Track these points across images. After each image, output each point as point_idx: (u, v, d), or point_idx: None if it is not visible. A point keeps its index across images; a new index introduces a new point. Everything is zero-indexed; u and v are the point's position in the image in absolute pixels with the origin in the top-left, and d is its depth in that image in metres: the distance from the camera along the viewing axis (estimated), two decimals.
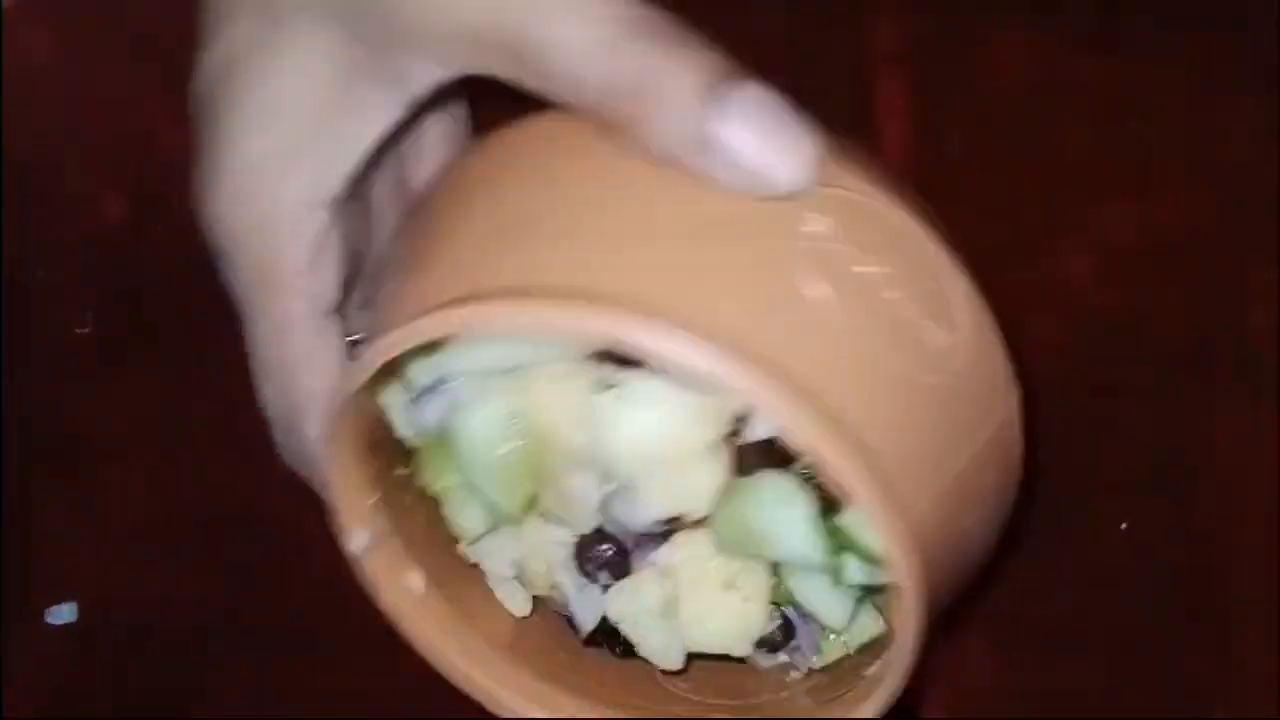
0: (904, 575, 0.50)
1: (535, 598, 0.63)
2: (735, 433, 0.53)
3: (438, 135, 0.64)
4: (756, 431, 0.53)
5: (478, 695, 0.62)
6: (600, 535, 0.58)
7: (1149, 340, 0.73)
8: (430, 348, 0.55)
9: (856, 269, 0.50)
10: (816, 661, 0.60)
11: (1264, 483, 0.72)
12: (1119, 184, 0.73)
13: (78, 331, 0.80)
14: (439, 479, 0.59)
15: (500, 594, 0.63)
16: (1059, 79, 0.74)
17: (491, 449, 0.56)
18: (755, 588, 0.56)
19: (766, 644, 0.60)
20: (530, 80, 0.49)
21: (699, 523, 0.55)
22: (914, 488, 0.50)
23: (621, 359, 0.52)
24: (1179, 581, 0.72)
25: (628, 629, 0.58)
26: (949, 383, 0.51)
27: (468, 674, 0.62)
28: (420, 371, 0.57)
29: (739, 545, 0.54)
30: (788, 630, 0.60)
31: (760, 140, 0.47)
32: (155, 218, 0.79)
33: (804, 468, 0.53)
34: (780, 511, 0.53)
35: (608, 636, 0.61)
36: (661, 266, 0.49)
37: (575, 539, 0.58)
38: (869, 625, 0.59)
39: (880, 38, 0.74)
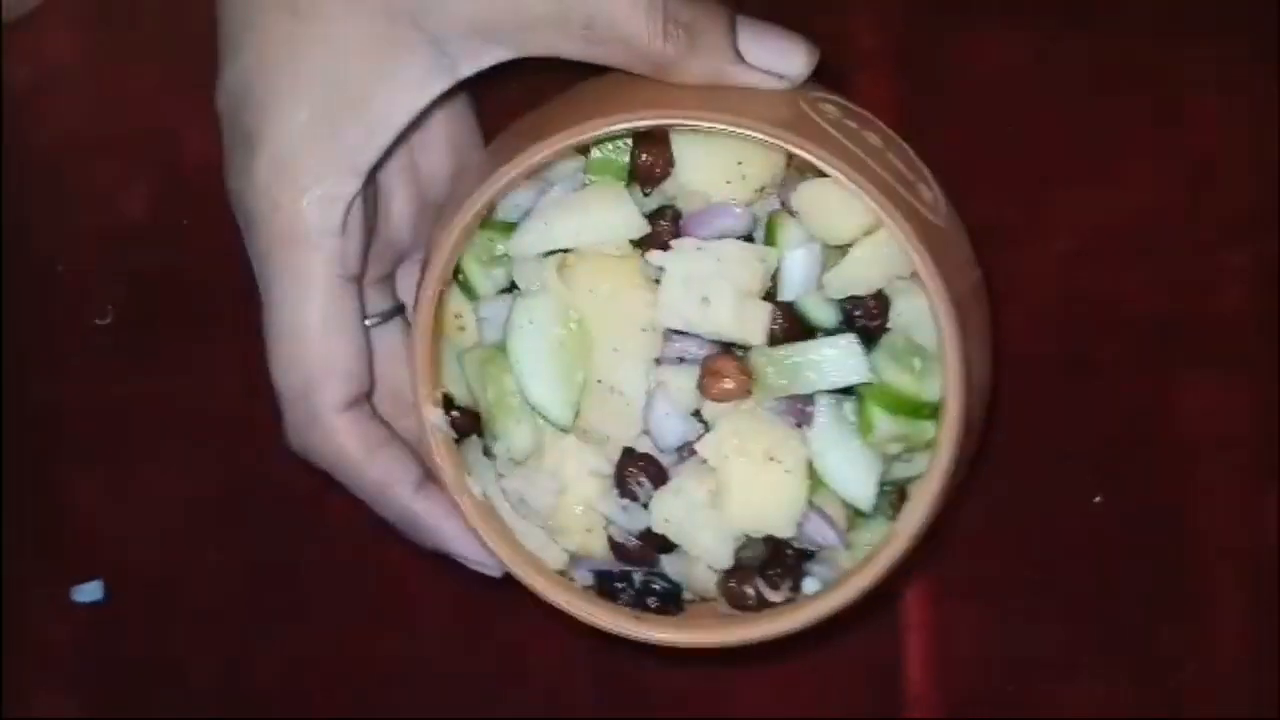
0: (951, 345, 0.57)
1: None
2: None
3: (445, 126, 0.69)
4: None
5: (536, 585, 0.63)
6: (634, 456, 0.61)
7: (1120, 320, 0.76)
8: (500, 228, 0.61)
9: (867, 136, 0.60)
10: (845, 559, 0.63)
11: (1233, 457, 0.75)
12: (1092, 171, 0.77)
13: (98, 323, 0.80)
14: (495, 384, 0.61)
15: (535, 549, 0.64)
16: (1033, 72, 0.77)
17: (547, 332, 0.60)
18: (795, 458, 0.60)
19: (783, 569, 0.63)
20: (589, 49, 0.58)
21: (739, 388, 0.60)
22: (951, 272, 0.58)
23: (663, 244, 0.59)
24: (1150, 551, 0.75)
25: (676, 532, 0.61)
26: (944, 225, 0.60)
27: (525, 566, 0.63)
28: (483, 278, 0.62)
29: (790, 381, 0.59)
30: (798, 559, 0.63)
31: (773, 53, 0.60)
32: (176, 213, 0.80)
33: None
34: (828, 345, 0.59)
35: (642, 591, 0.64)
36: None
37: (613, 464, 0.62)
38: (881, 530, 0.63)
39: (861, 33, 0.79)
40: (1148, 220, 0.75)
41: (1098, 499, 0.75)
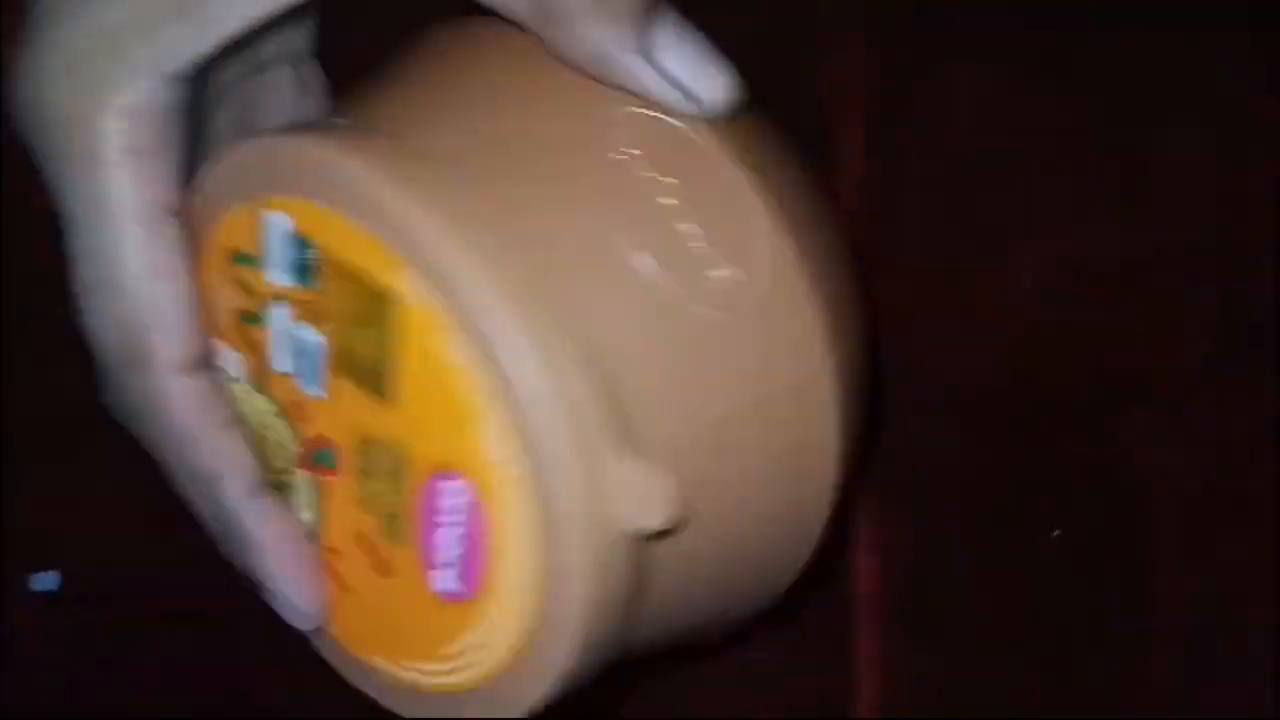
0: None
1: None
2: None
3: (285, 89, 0.60)
4: None
5: None
6: None
7: (1080, 359, 0.76)
8: None
9: (659, 198, 0.49)
10: None
11: (1186, 496, 0.75)
12: (1057, 210, 0.76)
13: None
14: None
15: None
16: (1008, 111, 0.76)
17: None
18: None
19: None
20: None
21: None
22: (650, 410, 0.47)
23: None
24: (1100, 587, 0.75)
25: None
26: (724, 320, 0.48)
27: None
28: None
29: None
30: None
31: (692, 66, 0.49)
32: None
33: None
34: None
35: None
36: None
37: None
38: None
39: (835, 68, 0.77)
40: (1108, 263, 0.74)
41: (1056, 533, 0.75)
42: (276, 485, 0.53)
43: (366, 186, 0.47)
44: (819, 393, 0.50)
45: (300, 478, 0.53)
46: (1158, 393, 0.75)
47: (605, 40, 0.47)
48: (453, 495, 0.48)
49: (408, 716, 0.53)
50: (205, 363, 0.52)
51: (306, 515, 0.53)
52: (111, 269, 0.50)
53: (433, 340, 0.45)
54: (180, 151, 0.51)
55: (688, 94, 0.48)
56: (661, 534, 0.47)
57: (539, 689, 0.49)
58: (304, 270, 0.50)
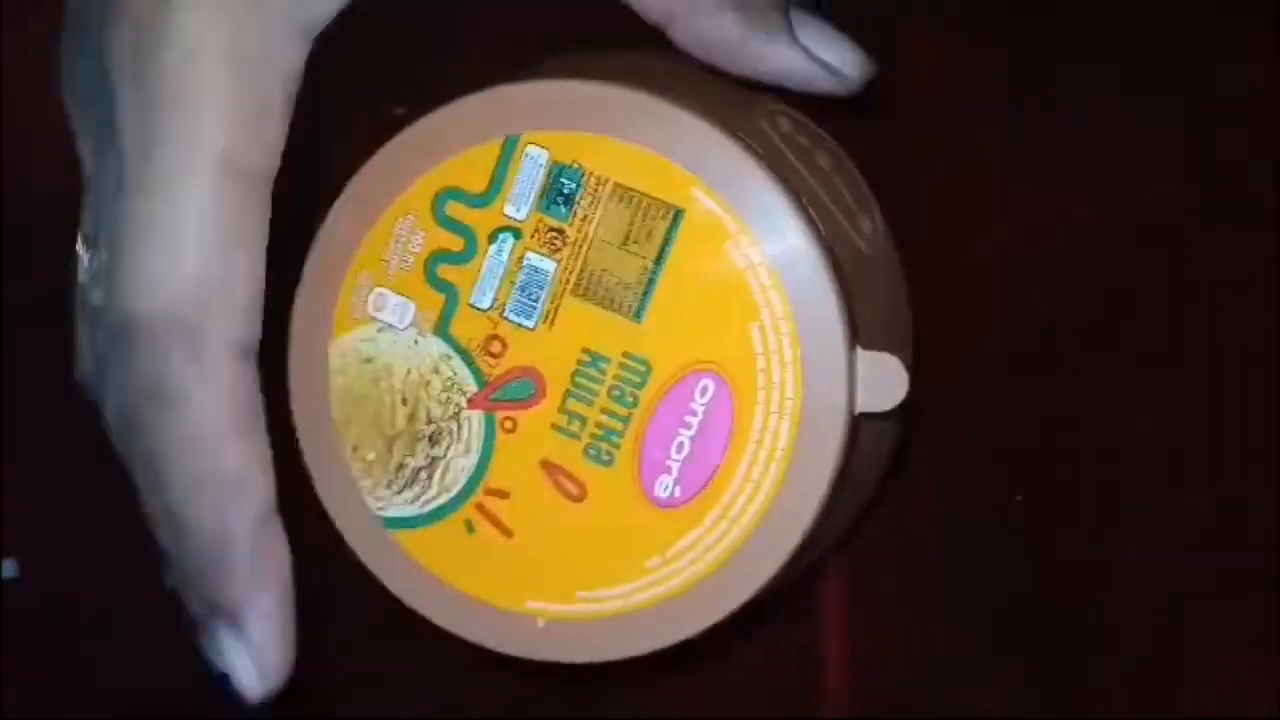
0: None
1: None
2: None
3: None
4: None
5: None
6: None
7: (1047, 323, 0.76)
8: None
9: (816, 156, 0.61)
10: None
11: (1152, 461, 0.75)
12: (1022, 177, 0.76)
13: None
14: None
15: None
16: (972, 78, 0.77)
17: None
18: None
19: None
20: None
21: None
22: (872, 308, 0.57)
23: None
24: (1066, 553, 0.75)
25: None
26: (878, 258, 0.61)
27: None
28: None
29: None
30: None
31: (832, 45, 0.53)
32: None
33: None
34: None
35: None
36: None
37: None
38: None
39: None
40: (1071, 227, 0.75)
41: (1019, 498, 0.75)
42: (429, 436, 0.55)
43: (659, 110, 0.53)
44: (907, 313, 0.63)
45: (471, 418, 0.55)
46: (1122, 355, 0.75)
47: (750, 27, 0.50)
48: (701, 396, 0.53)
49: (562, 658, 0.56)
50: (253, 353, 0.46)
51: (465, 460, 0.56)
52: (185, 219, 0.43)
53: (713, 248, 0.51)
54: (291, 118, 0.47)
55: (833, 71, 0.51)
56: (885, 415, 0.54)
57: (754, 584, 0.54)
58: (560, 199, 0.54)
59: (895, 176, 0.64)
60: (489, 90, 0.55)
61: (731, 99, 0.58)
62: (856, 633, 0.76)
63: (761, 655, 0.77)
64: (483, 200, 0.55)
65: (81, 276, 0.46)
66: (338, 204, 0.55)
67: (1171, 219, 0.74)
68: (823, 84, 0.51)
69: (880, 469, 0.63)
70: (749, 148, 0.53)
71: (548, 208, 0.55)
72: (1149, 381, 0.74)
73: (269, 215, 0.45)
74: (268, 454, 0.46)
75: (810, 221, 0.54)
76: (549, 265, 0.55)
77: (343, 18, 0.50)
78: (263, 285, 0.45)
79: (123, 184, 0.42)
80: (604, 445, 0.54)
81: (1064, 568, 0.74)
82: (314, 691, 0.70)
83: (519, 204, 0.55)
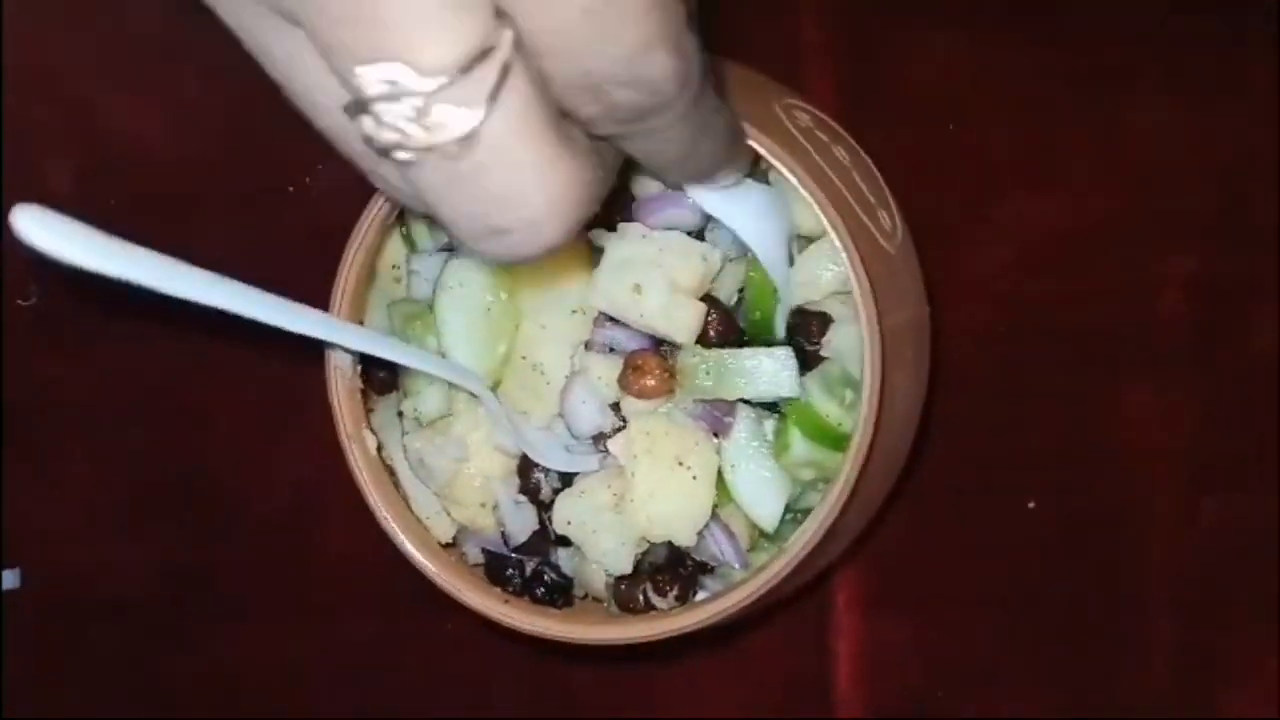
0: (872, 375, 0.56)
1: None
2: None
3: None
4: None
5: (413, 553, 0.61)
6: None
7: (1057, 327, 0.74)
8: None
9: (835, 151, 0.59)
10: (739, 579, 0.60)
11: (1167, 466, 0.73)
12: (1032, 178, 0.74)
13: (20, 304, 0.77)
14: (418, 343, 0.59)
15: (424, 516, 0.62)
16: (977, 73, 0.75)
17: (475, 298, 0.58)
18: (705, 466, 0.59)
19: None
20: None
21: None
22: (893, 302, 0.57)
23: (610, 226, 0.58)
24: (1082, 558, 0.73)
25: (576, 533, 0.59)
26: (896, 254, 0.60)
27: (407, 532, 0.61)
28: (423, 231, 0.60)
29: (717, 383, 0.58)
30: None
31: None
32: (101, 188, 0.76)
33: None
34: (766, 354, 0.58)
35: (532, 579, 0.62)
36: None
37: (518, 458, 0.60)
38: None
39: (805, 29, 0.76)
40: (1087, 228, 0.73)
41: (1031, 504, 0.73)
42: None
43: None
44: (925, 321, 0.62)
45: None
46: (1134, 360, 0.73)
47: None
48: None
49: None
50: None
51: None
52: None
53: None
54: None
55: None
56: None
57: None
58: None
59: (907, 176, 0.63)
60: None
61: (749, 91, 0.57)
62: (870, 633, 0.75)
63: (777, 651, 0.75)
64: None
65: None
66: None
67: (1199, 221, 0.72)
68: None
69: (891, 477, 0.62)
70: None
71: None
72: (1174, 385, 0.72)
73: None
74: None
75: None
76: None
77: None
78: None
79: None
80: None
81: (1088, 570, 0.73)
82: None
83: None
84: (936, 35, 0.74)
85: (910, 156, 0.69)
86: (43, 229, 0.40)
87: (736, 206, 0.57)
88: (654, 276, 0.57)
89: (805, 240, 0.59)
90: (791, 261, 0.59)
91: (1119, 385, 0.73)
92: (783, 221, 0.58)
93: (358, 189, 0.57)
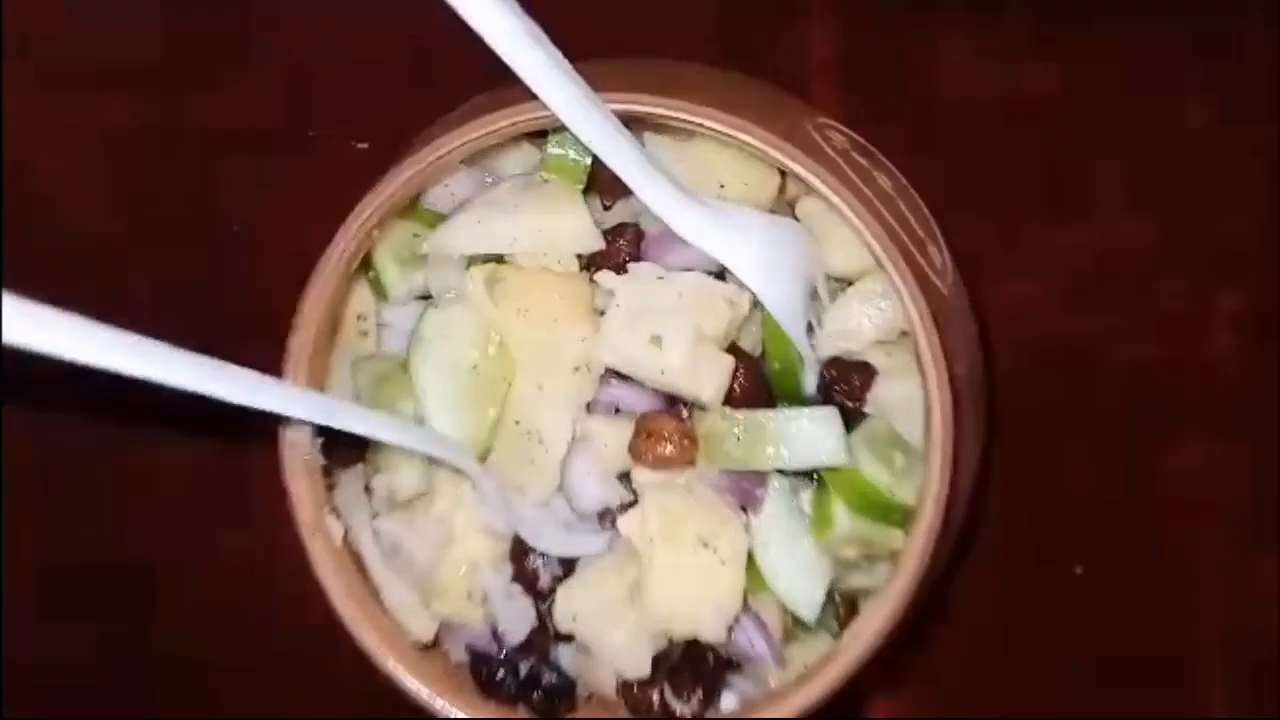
0: (940, 439, 0.48)
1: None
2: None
3: None
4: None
5: (385, 662, 0.52)
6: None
7: (1102, 368, 0.68)
8: (429, 220, 0.51)
9: (878, 178, 0.51)
10: (774, 677, 0.52)
11: (1224, 520, 0.68)
12: (1067, 205, 0.69)
13: None
14: (389, 406, 0.50)
15: (399, 613, 0.53)
16: (998, 89, 0.69)
17: (461, 353, 0.50)
18: (733, 548, 0.50)
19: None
20: None
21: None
22: (953, 350, 0.50)
23: (618, 267, 0.50)
24: (1138, 626, 0.68)
25: (583, 629, 0.51)
26: (950, 295, 0.52)
27: (377, 634, 0.52)
28: (397, 277, 0.52)
29: (748, 453, 0.50)
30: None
31: None
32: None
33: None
34: (805, 415, 0.50)
35: (527, 682, 0.53)
36: None
37: (510, 540, 0.52)
38: (821, 649, 0.53)
39: (816, 45, 0.70)
40: (1126, 258, 0.68)
41: (1079, 570, 0.67)
42: None
43: None
44: (979, 365, 0.54)
45: None
46: (1185, 405, 0.68)
47: None
48: None
49: None
50: None
51: None
52: None
53: None
54: None
55: None
56: None
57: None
58: None
59: (930, 204, 0.55)
60: None
61: (776, 108, 0.51)
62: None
63: None
64: None
65: None
66: None
67: (1247, 250, 0.67)
68: None
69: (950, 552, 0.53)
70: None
71: None
72: (1225, 431, 0.67)
73: None
74: None
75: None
76: None
77: None
78: None
79: None
80: None
81: (1139, 640, 0.67)
82: None
83: None
84: (959, 53, 0.67)
85: (934, 183, 0.60)
86: None
87: (741, 242, 0.49)
88: (676, 325, 0.48)
89: (837, 282, 0.51)
90: (821, 306, 0.51)
91: (1166, 431, 0.67)
92: (800, 262, 0.50)
93: (314, 220, 0.50)
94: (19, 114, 0.67)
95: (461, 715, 0.51)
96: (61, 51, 0.67)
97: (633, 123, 0.48)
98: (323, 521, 0.51)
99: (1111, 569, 0.67)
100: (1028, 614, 0.67)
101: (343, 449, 0.52)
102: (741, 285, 0.50)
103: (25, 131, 0.68)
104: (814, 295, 0.51)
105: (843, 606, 0.53)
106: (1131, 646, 0.66)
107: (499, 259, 0.50)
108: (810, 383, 0.51)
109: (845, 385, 0.51)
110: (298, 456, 0.51)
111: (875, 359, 0.51)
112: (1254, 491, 0.66)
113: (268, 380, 0.44)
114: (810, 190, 0.49)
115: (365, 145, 0.66)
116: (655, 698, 0.52)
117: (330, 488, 0.53)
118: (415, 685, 0.51)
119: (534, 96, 0.46)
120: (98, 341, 0.38)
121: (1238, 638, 0.66)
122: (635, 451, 0.50)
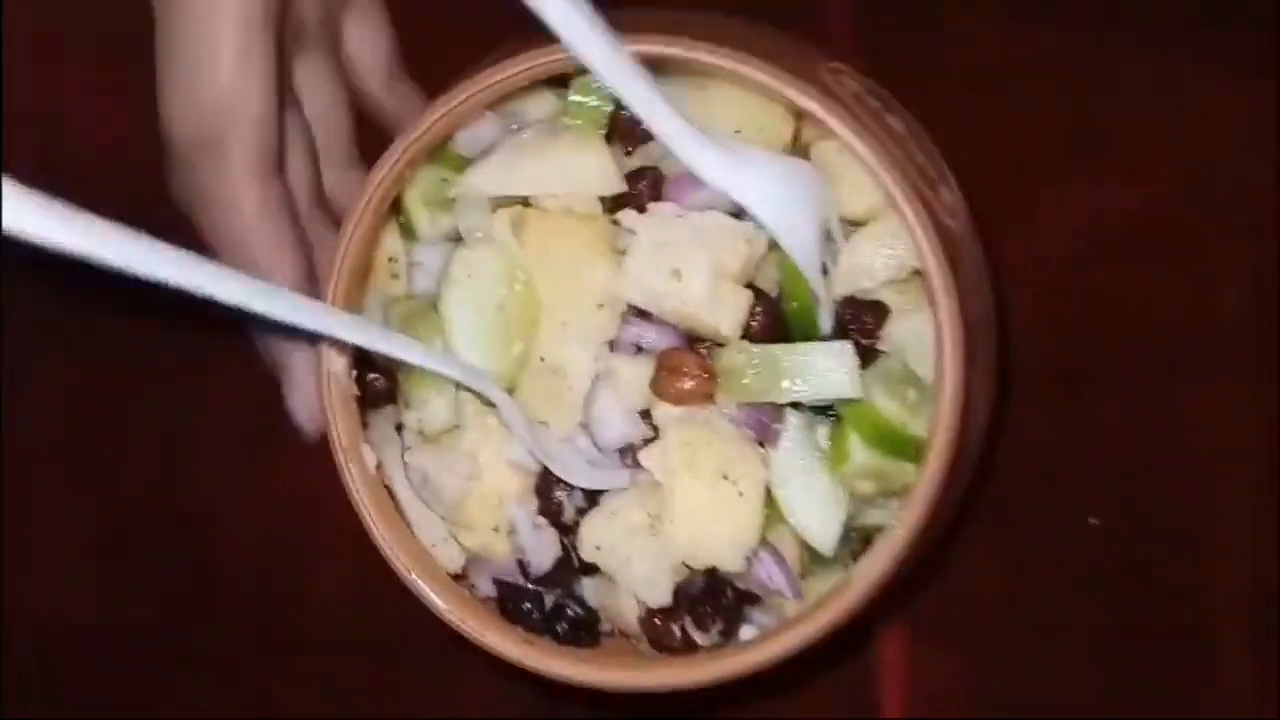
0: (952, 374, 0.49)
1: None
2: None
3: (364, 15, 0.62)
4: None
5: (420, 587, 0.53)
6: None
7: (1114, 326, 0.69)
8: (457, 164, 0.52)
9: (890, 121, 0.53)
10: (791, 608, 0.54)
11: (1239, 473, 0.68)
12: (1083, 162, 0.70)
13: None
14: (424, 340, 0.52)
15: (429, 544, 0.55)
16: (1017, 53, 0.70)
17: (488, 291, 0.52)
18: (752, 481, 0.52)
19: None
20: None
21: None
22: (965, 291, 0.51)
23: (639, 208, 0.51)
24: (1152, 577, 0.68)
25: (607, 559, 0.52)
26: (962, 235, 0.53)
27: (411, 561, 0.53)
28: (426, 220, 0.53)
29: (766, 385, 0.51)
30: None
31: None
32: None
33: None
34: (821, 350, 0.51)
35: (553, 614, 0.55)
36: None
37: (536, 475, 0.53)
38: (835, 575, 0.54)
39: (832, 9, 0.72)
40: (1142, 216, 0.68)
41: (1093, 521, 0.68)
42: None
43: None
44: (991, 315, 0.55)
45: None
46: (1198, 361, 0.68)
47: None
48: None
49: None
50: (276, 173, 0.54)
51: None
52: (205, 54, 0.52)
53: None
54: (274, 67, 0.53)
55: None
56: None
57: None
58: None
59: (947, 156, 0.56)
60: None
61: (787, 54, 0.51)
62: (919, 668, 0.69)
63: (821, 687, 0.69)
64: None
65: None
66: None
67: (1263, 209, 0.67)
68: None
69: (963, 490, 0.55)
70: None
71: None
72: (1239, 385, 0.68)
73: (274, 53, 0.53)
74: (297, 255, 0.55)
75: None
76: None
77: None
78: (275, 111, 0.53)
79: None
80: None
81: (1154, 594, 0.67)
82: None
83: None
84: (975, 8, 0.69)
85: (952, 134, 0.60)
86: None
87: (758, 181, 0.50)
88: (695, 259, 0.50)
89: (850, 224, 0.52)
90: (835, 247, 0.52)
91: (1181, 385, 0.68)
92: (815, 202, 0.51)
93: None
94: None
95: (496, 643, 0.53)
96: None
97: (651, 67, 0.49)
98: (358, 449, 0.53)
99: (1126, 523, 0.68)
100: (1040, 567, 0.68)
101: (375, 389, 0.54)
102: (759, 225, 0.51)
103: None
104: (829, 238, 0.52)
105: (859, 543, 0.54)
106: (1148, 601, 0.67)
107: (524, 201, 0.52)
108: (826, 322, 0.52)
109: (860, 324, 0.52)
110: (335, 385, 0.53)
111: (889, 298, 0.52)
112: (1269, 441, 0.67)
113: (315, 302, 0.48)
114: (824, 134, 0.50)
115: None
116: (677, 630, 0.53)
117: (364, 426, 0.55)
118: (451, 611, 0.53)
119: (558, 41, 0.47)
120: (145, 252, 0.40)
121: (1258, 590, 0.67)
122: (657, 387, 0.51)
